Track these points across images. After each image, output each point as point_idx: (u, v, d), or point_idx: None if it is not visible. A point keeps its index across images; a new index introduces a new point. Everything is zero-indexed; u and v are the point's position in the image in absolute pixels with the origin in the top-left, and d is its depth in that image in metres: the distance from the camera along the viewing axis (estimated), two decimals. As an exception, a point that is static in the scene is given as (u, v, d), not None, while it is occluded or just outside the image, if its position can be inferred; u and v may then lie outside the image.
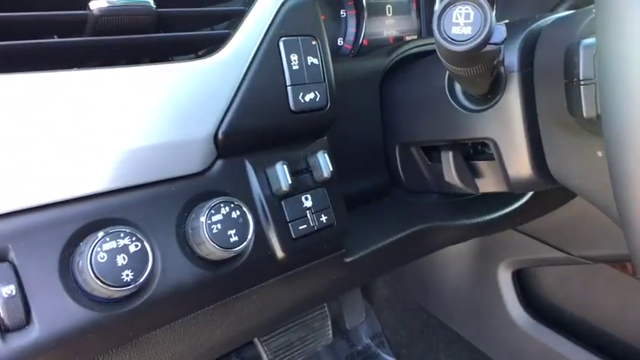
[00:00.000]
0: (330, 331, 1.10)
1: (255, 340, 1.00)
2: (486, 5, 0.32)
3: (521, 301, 0.98)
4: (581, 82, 0.34)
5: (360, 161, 0.52)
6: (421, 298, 1.16)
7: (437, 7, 0.75)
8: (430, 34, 0.76)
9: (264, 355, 1.01)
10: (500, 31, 0.33)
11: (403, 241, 0.51)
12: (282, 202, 0.39)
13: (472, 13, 0.32)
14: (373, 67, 0.53)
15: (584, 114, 0.35)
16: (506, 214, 0.61)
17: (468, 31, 0.31)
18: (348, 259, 0.46)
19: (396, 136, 0.54)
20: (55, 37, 0.34)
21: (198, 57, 0.37)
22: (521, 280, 0.99)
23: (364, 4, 0.63)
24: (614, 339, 0.89)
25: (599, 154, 0.40)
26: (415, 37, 0.74)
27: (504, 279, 0.99)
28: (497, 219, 0.60)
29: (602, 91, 0.28)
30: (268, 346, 1.01)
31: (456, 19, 0.32)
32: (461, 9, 0.32)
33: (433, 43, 0.59)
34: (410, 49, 0.56)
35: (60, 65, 0.32)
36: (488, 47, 0.32)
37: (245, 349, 1.06)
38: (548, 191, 0.66)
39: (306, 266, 0.41)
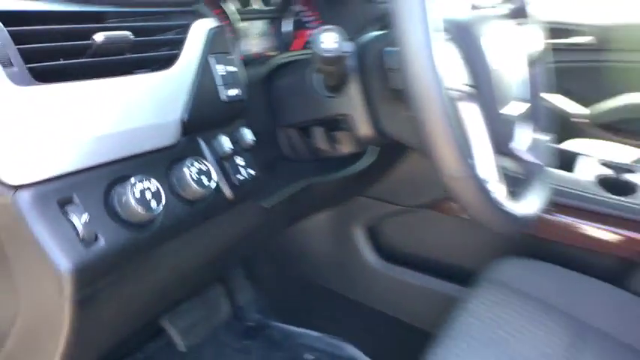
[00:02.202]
0: (228, 306, 1.27)
1: (166, 323, 1.13)
2: (341, 30, 0.56)
3: (374, 250, 1.26)
4: (393, 70, 0.60)
5: (261, 139, 0.72)
6: (299, 267, 1.39)
7: (283, 29, 0.99)
8: (285, 49, 1.00)
9: (175, 337, 1.14)
10: (350, 45, 0.57)
11: (300, 193, 0.73)
12: (226, 162, 0.58)
13: (335, 36, 0.55)
14: (258, 73, 0.74)
15: (397, 87, 0.60)
16: (361, 171, 0.87)
17: (335, 45, 0.55)
18: (266, 205, 0.67)
19: (280, 120, 0.76)
20: (61, 59, 0.49)
21: (155, 70, 0.54)
22: (373, 234, 1.28)
23: (236, 31, 0.84)
24: (442, 263, 1.21)
25: (407, 113, 0.66)
26: (274, 52, 0.97)
27: (359, 236, 1.26)
28: (355, 174, 0.86)
29: (403, 74, 0.53)
30: (177, 327, 1.15)
31: (327, 40, 0.55)
32: (330, 33, 0.55)
33: (296, 55, 0.83)
34: (281, 59, 0.79)
35: (72, 77, 0.48)
36: (345, 54, 0.56)
37: (157, 339, 1.18)
38: (384, 153, 0.94)
39: (241, 206, 0.61)
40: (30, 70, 0.42)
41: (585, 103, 2.03)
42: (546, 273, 0.99)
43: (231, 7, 0.82)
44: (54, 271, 0.41)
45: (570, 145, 1.58)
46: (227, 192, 0.57)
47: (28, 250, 0.41)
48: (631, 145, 1.67)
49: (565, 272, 0.98)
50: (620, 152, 1.54)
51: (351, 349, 1.28)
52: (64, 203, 0.43)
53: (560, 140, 1.36)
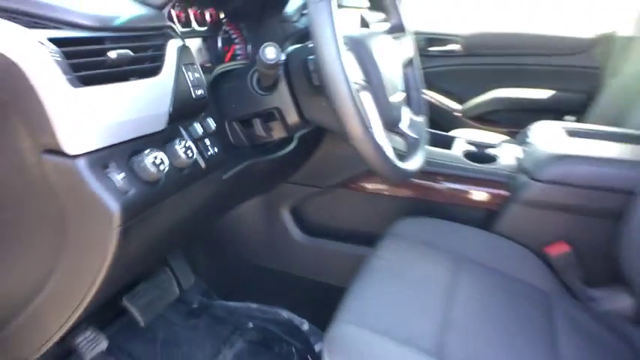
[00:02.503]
0: (176, 287, 1.45)
1: (127, 302, 1.29)
2: (277, 45, 0.80)
3: (298, 227, 1.50)
4: (313, 71, 0.86)
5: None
6: (235, 250, 1.60)
7: (219, 45, 1.21)
8: (219, 61, 1.22)
9: (136, 314, 1.30)
10: (284, 55, 0.81)
11: (245, 170, 0.96)
12: (199, 142, 0.80)
13: (274, 50, 0.80)
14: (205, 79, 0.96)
15: (317, 84, 0.86)
16: (287, 155, 1.11)
17: (274, 55, 0.79)
18: (224, 177, 0.89)
19: (226, 116, 0.99)
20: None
21: (145, 76, 0.75)
22: (297, 213, 1.52)
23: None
24: (355, 231, 1.48)
25: (324, 103, 0.92)
26: (209, 64, 1.19)
27: (285, 216, 1.50)
28: (283, 159, 1.10)
29: (321, 74, 0.78)
30: (136, 306, 1.31)
31: (269, 52, 0.79)
32: (270, 47, 0.79)
33: (233, 65, 1.06)
34: (222, 68, 1.02)
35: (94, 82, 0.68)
36: (280, 61, 0.81)
37: (120, 319, 1.34)
38: (303, 144, 1.19)
39: (210, 175, 0.83)
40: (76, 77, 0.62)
41: (461, 100, 2.44)
42: (434, 225, 1.29)
43: (176, 28, 1.04)
44: (107, 212, 0.61)
45: (451, 133, 1.94)
46: (202, 163, 0.79)
47: (85, 200, 0.61)
48: (496, 132, 2.07)
49: (448, 223, 1.29)
50: (487, 138, 1.91)
51: (286, 313, 1.52)
52: (104, 167, 0.63)
53: (445, 130, 1.69)
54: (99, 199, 0.61)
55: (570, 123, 1.49)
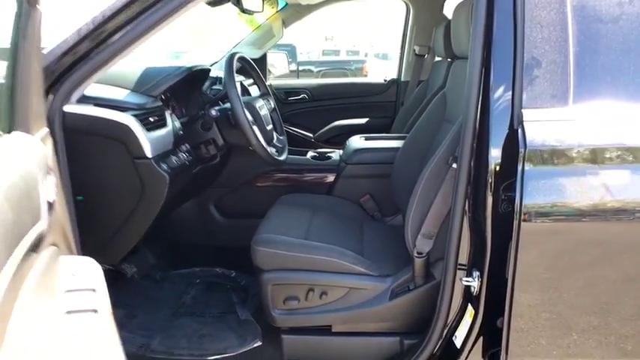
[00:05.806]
0: (146, 263, 2.41)
1: (126, 267, 2.24)
2: (216, 109, 1.90)
3: (220, 213, 2.54)
4: (231, 117, 1.95)
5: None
6: (181, 237, 2.57)
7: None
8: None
9: (133, 273, 2.25)
10: (214, 112, 1.91)
11: (198, 171, 2.02)
12: (184, 154, 1.85)
13: (216, 108, 1.89)
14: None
15: (233, 123, 1.96)
16: (214, 166, 2.17)
17: (214, 111, 1.88)
18: (193, 171, 1.94)
19: (189, 142, 2.03)
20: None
21: (161, 127, 1.79)
22: (218, 205, 2.54)
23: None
24: (256, 210, 2.55)
25: (235, 131, 2.00)
26: (164, 120, 2.22)
27: (211, 208, 2.52)
28: (212, 168, 2.16)
29: (235, 119, 1.88)
30: (131, 270, 2.26)
31: (213, 110, 1.88)
32: (214, 107, 1.88)
33: (184, 119, 2.13)
34: (181, 120, 2.08)
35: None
36: (216, 113, 1.90)
37: (119, 281, 2.27)
38: (222, 160, 2.29)
39: (189, 171, 1.88)
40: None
41: (313, 131, 3.67)
42: (301, 196, 2.42)
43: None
44: (164, 178, 1.65)
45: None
46: (187, 162, 1.83)
47: (155, 175, 1.64)
48: (337, 148, 3.29)
49: (308, 194, 2.43)
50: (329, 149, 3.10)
51: (219, 269, 2.53)
52: (160, 161, 1.67)
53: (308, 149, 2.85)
54: (160, 173, 1.64)
55: (368, 134, 2.74)
